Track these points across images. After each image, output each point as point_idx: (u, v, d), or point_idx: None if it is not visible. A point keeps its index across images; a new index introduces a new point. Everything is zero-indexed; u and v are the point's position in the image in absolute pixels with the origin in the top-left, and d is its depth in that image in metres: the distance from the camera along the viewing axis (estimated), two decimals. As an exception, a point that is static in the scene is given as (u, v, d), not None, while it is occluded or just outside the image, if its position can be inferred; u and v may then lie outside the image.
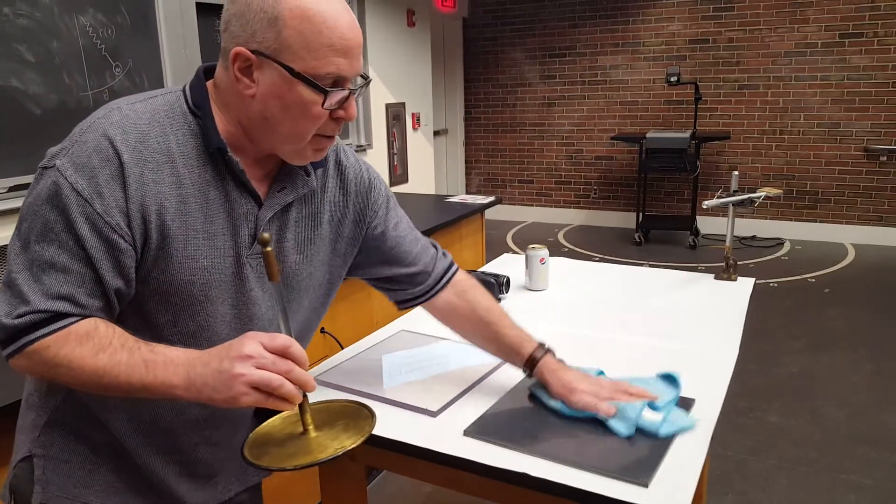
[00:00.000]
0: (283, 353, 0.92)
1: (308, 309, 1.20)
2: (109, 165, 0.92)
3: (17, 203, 2.44)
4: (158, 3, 3.04)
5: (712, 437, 1.19)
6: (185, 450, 1.12)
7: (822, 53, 6.07)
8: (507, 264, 2.29)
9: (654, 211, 6.96)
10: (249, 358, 0.90)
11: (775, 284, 5.05)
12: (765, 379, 3.53)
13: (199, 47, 3.26)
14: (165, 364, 0.93)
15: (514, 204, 7.68)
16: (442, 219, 3.22)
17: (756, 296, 1.81)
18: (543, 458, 1.12)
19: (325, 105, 0.97)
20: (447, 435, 1.20)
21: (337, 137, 1.09)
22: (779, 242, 6.31)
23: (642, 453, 1.12)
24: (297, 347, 0.94)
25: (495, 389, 1.37)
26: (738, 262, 2.02)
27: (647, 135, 6.02)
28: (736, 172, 2.21)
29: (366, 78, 1.05)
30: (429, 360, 1.52)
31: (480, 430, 1.21)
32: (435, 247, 1.39)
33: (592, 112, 7.12)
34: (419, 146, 5.67)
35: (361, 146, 4.81)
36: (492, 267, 2.26)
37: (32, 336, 0.92)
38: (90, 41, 2.73)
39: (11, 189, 2.45)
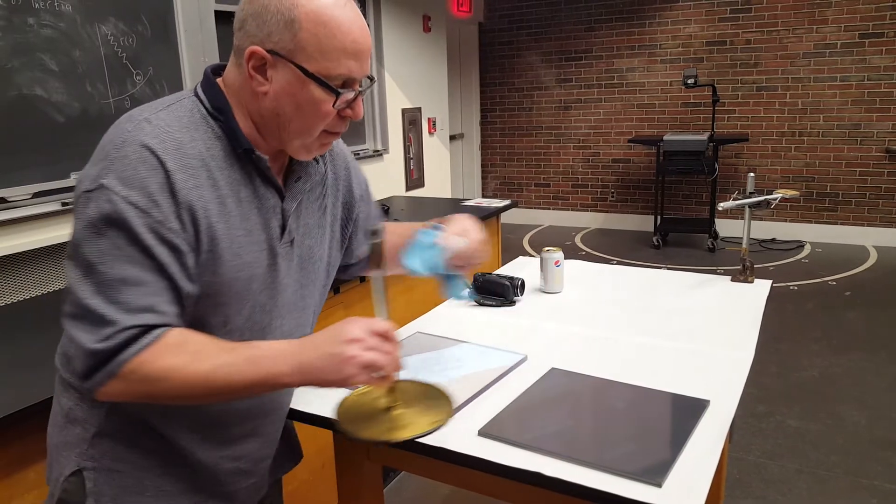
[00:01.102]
0: (385, 336, 1.02)
1: (319, 294, 1.26)
2: (157, 175, 0.95)
3: (40, 209, 2.49)
4: (178, 12, 3.09)
5: (731, 441, 1.19)
6: (235, 441, 1.16)
7: (841, 54, 6.02)
8: (522, 267, 2.30)
9: (672, 214, 6.92)
10: (358, 341, 0.98)
11: (795, 287, 5.01)
12: (785, 382, 3.50)
13: (217, 54, 3.31)
14: (269, 357, 0.98)
15: (531, 207, 7.68)
16: (458, 222, 3.23)
17: (776, 299, 1.80)
18: (557, 457, 1.13)
19: (336, 105, 1.03)
20: (462, 435, 1.21)
21: None
22: (799, 245, 6.26)
23: (657, 453, 1.12)
24: (393, 331, 1.04)
25: (510, 390, 1.38)
26: (758, 265, 2.01)
27: (665, 137, 6.00)
28: (752, 174, 2.21)
29: (371, 79, 1.11)
30: (444, 363, 1.53)
31: (495, 430, 1.22)
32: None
33: (609, 115, 7.11)
34: (435, 151, 5.69)
35: (378, 151, 4.84)
36: (507, 269, 2.27)
37: (126, 354, 0.92)
38: (111, 50, 2.77)
39: (35, 196, 2.49)
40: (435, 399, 1.18)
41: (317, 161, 1.19)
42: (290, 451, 1.38)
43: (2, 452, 1.38)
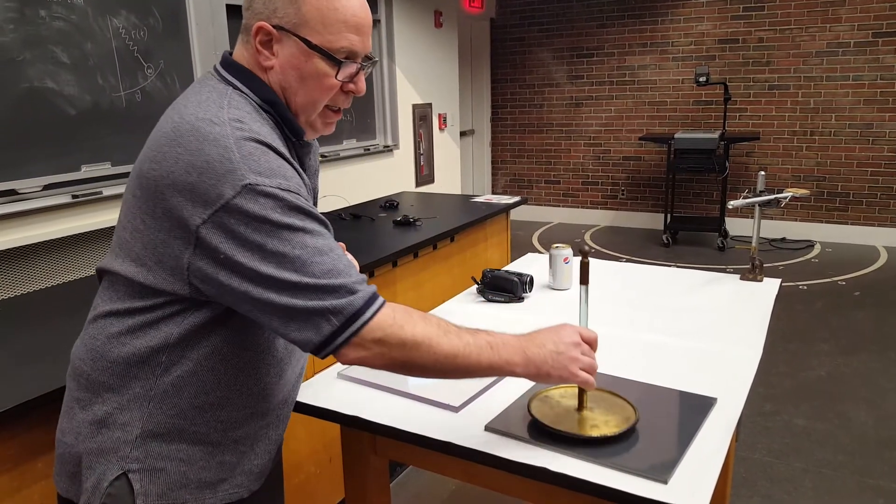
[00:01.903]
0: (593, 344, 1.16)
1: None
2: (281, 160, 1.00)
3: (51, 201, 2.50)
4: (189, 5, 3.10)
5: (738, 439, 1.19)
6: (273, 411, 1.19)
7: (854, 53, 5.98)
8: (531, 263, 2.30)
9: (682, 212, 6.90)
10: (579, 345, 1.13)
11: (805, 287, 4.99)
12: (793, 382, 3.49)
13: (229, 48, 3.32)
14: (504, 345, 1.09)
15: (541, 204, 7.67)
16: (467, 218, 3.24)
17: (785, 298, 1.80)
18: (564, 453, 1.13)
19: (339, 76, 1.07)
20: (469, 430, 1.22)
21: None
22: (809, 244, 6.23)
23: (663, 450, 1.12)
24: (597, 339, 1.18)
25: (517, 386, 1.38)
26: (767, 264, 2.00)
27: (676, 135, 5.97)
28: (763, 172, 2.20)
29: (372, 59, 1.14)
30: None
31: (502, 425, 1.22)
32: None
33: (620, 112, 7.08)
34: (445, 146, 5.69)
35: (388, 146, 4.84)
36: (516, 266, 2.27)
37: (370, 312, 0.99)
38: (123, 43, 2.79)
39: (45, 188, 2.51)
40: (618, 406, 1.26)
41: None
42: None
43: (10, 443, 1.39)
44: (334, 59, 1.05)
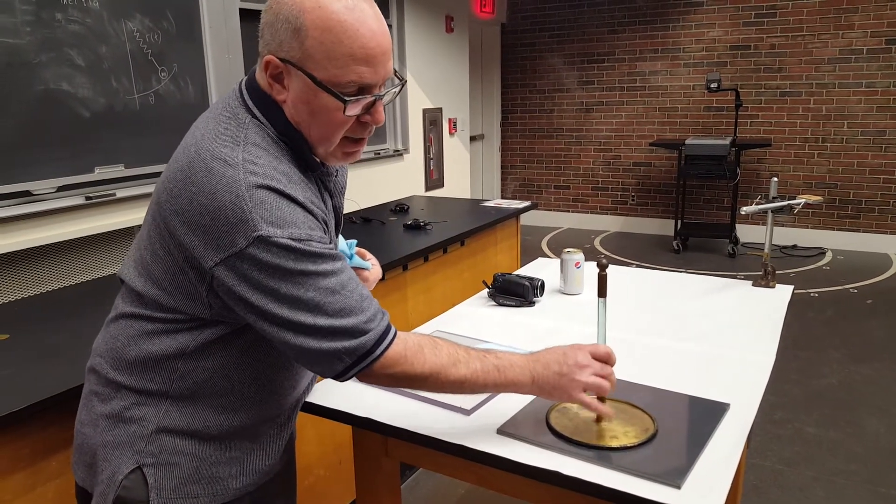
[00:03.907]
0: (605, 360, 1.18)
1: None
2: (293, 206, 0.99)
3: (65, 203, 2.52)
4: (203, 9, 3.12)
5: (749, 447, 1.18)
6: (284, 413, 1.21)
7: (867, 60, 5.95)
8: (542, 268, 2.30)
9: (692, 218, 6.88)
10: (585, 367, 1.15)
11: (816, 294, 4.96)
12: (804, 390, 3.47)
13: (241, 52, 3.34)
14: (511, 367, 1.13)
15: (550, 210, 7.66)
16: (477, 223, 3.24)
17: (796, 305, 1.79)
18: (576, 457, 1.12)
19: (347, 113, 1.02)
20: (481, 433, 1.22)
21: None
22: (820, 252, 6.19)
23: (676, 455, 1.12)
24: (613, 354, 1.19)
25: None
26: (779, 271, 1.99)
27: (687, 141, 5.96)
28: (775, 179, 2.19)
29: (401, 79, 1.11)
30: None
31: (514, 428, 1.22)
32: None
33: (631, 118, 7.07)
34: (455, 151, 5.70)
35: (398, 151, 4.85)
36: (526, 270, 2.27)
37: (380, 349, 1.03)
38: (137, 46, 2.81)
39: (59, 189, 2.53)
40: (636, 417, 1.26)
41: None
42: None
43: (25, 441, 1.40)
44: (339, 97, 1.00)
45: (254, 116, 1.05)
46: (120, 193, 2.72)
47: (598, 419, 1.24)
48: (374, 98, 1.04)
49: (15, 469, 1.39)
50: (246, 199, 0.95)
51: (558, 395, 1.14)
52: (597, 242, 6.81)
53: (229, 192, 0.95)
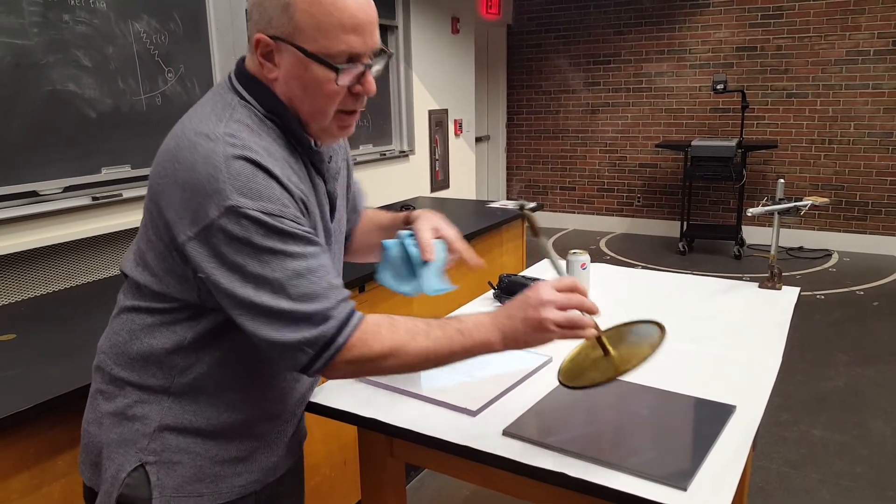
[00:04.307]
0: (572, 290, 1.09)
1: (340, 262, 1.31)
2: (271, 181, 0.98)
3: (71, 203, 2.53)
4: (210, 11, 3.12)
5: (755, 449, 1.18)
6: (289, 411, 1.22)
7: (874, 61, 5.93)
8: (547, 269, 2.29)
9: (698, 220, 6.86)
10: (550, 302, 1.06)
11: (822, 296, 4.94)
12: (810, 392, 3.46)
13: (247, 53, 3.34)
14: (477, 327, 1.08)
15: (556, 211, 7.65)
16: (482, 224, 3.24)
17: (802, 308, 1.79)
18: (582, 458, 1.12)
19: (339, 82, 1.03)
20: (487, 434, 1.22)
21: None
22: (826, 254, 6.17)
23: (682, 457, 1.11)
24: (579, 283, 1.11)
25: (535, 391, 1.38)
26: (784, 273, 1.99)
27: (693, 143, 5.95)
28: (782, 180, 2.18)
29: (385, 52, 1.10)
30: (469, 362, 1.52)
31: (520, 430, 1.22)
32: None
33: (637, 119, 7.06)
34: (461, 152, 5.70)
35: (404, 152, 4.85)
36: (532, 271, 2.27)
37: (343, 337, 1.01)
38: (144, 47, 2.81)
39: (66, 189, 2.53)
40: (642, 331, 1.19)
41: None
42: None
43: (31, 441, 1.41)
44: (331, 65, 1.01)
45: (241, 98, 1.06)
46: (126, 194, 2.72)
47: (606, 352, 1.16)
48: (364, 67, 1.05)
49: (21, 468, 1.40)
50: (222, 170, 0.95)
51: (533, 341, 1.07)
52: (602, 244, 6.80)
53: (207, 163, 0.96)
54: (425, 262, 1.27)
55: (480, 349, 1.08)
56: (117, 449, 1.10)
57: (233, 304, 0.99)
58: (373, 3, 1.05)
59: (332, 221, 1.19)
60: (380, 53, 1.08)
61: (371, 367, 1.05)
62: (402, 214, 1.39)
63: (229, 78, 1.10)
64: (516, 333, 1.07)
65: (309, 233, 1.01)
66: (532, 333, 1.06)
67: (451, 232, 1.33)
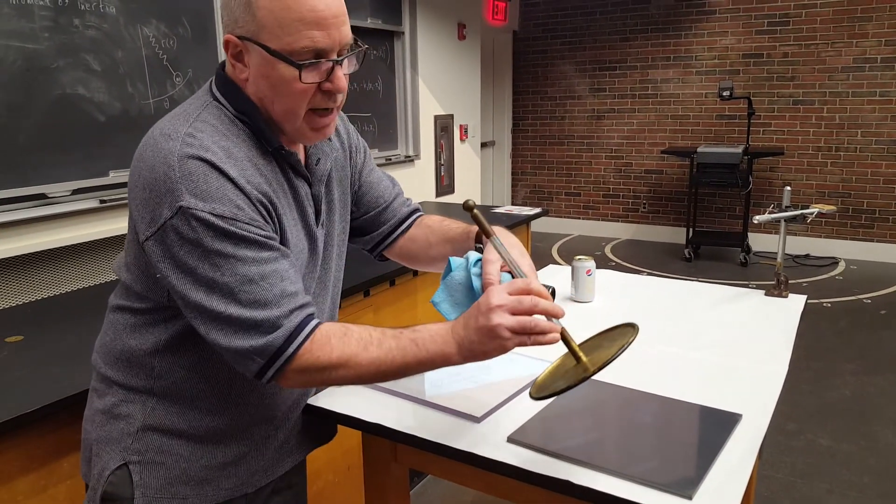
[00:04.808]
0: (525, 293, 1.00)
1: (338, 266, 1.29)
2: (225, 182, 0.97)
3: (80, 206, 2.54)
4: (218, 16, 3.14)
5: (761, 458, 1.17)
6: (280, 417, 1.21)
7: (881, 69, 5.92)
8: (553, 275, 2.29)
9: (704, 227, 6.85)
10: (499, 307, 0.98)
11: (829, 304, 4.92)
12: (817, 401, 3.44)
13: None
14: (433, 338, 1.02)
15: (561, 217, 7.65)
16: (488, 229, 3.23)
17: (809, 316, 1.78)
18: (587, 466, 1.12)
19: (303, 79, 1.00)
20: (491, 441, 1.21)
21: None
22: (833, 261, 6.15)
23: (688, 465, 1.11)
24: (536, 284, 1.02)
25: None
26: (791, 281, 1.98)
27: (699, 149, 5.94)
28: (788, 188, 2.18)
29: (360, 46, 1.06)
30: (473, 368, 1.53)
31: (524, 437, 1.21)
32: (400, 192, 1.45)
33: (643, 125, 7.06)
34: (466, 157, 5.70)
35: (409, 157, 4.86)
36: (540, 277, 2.26)
37: (293, 346, 0.98)
38: (153, 51, 2.83)
39: (74, 192, 2.55)
40: (617, 336, 1.10)
41: (329, 139, 1.20)
42: (325, 427, 1.38)
43: (37, 443, 1.41)
44: (293, 63, 0.98)
45: (215, 99, 1.06)
46: (133, 197, 2.74)
47: (578, 359, 1.06)
48: (331, 63, 1.01)
49: (28, 469, 1.40)
50: (175, 169, 0.95)
51: (490, 350, 1.00)
52: (607, 250, 6.80)
53: (164, 163, 0.96)
54: None
55: (437, 361, 1.03)
56: (104, 447, 1.11)
57: (186, 306, 0.99)
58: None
59: (317, 226, 1.16)
60: (353, 48, 1.05)
61: (322, 377, 1.02)
62: (476, 230, 1.30)
63: (210, 81, 1.10)
64: (472, 344, 1.01)
65: (265, 237, 0.99)
66: (486, 342, 0.99)
67: (525, 268, 1.12)
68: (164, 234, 0.96)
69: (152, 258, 0.98)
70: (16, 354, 1.69)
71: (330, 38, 1.00)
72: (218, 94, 1.07)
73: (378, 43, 4.51)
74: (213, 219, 0.94)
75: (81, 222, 2.57)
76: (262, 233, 0.99)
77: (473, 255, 1.19)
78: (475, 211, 1.08)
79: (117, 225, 2.67)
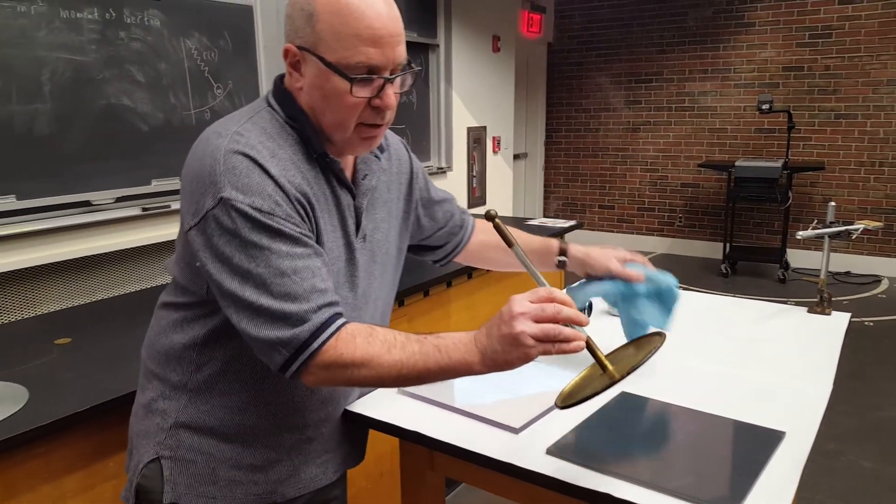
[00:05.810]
0: (548, 300, 1.00)
1: (391, 284, 1.31)
2: (267, 179, 1.01)
3: (122, 213, 2.60)
4: (258, 29, 3.19)
5: (800, 479, 1.14)
6: (311, 426, 1.21)
7: (927, 82, 5.79)
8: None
9: (741, 242, 6.75)
10: (522, 315, 0.98)
11: (871, 323, 4.80)
12: (859, 421, 3.36)
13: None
14: (456, 345, 1.03)
15: (595, 230, 7.60)
16: (523, 241, 3.22)
17: (850, 334, 1.74)
18: (627, 480, 1.11)
19: (354, 93, 1.03)
20: (529, 452, 1.21)
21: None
22: (875, 279, 6.01)
23: (729, 482, 1.09)
24: (559, 292, 1.02)
25: (579, 410, 1.36)
26: (832, 299, 1.94)
27: (737, 163, 5.87)
28: (832, 203, 2.14)
29: (411, 66, 1.10)
30: (512, 380, 1.52)
31: (564, 449, 1.21)
32: (453, 200, 1.50)
33: (679, 138, 7.00)
34: (498, 169, 5.70)
35: (442, 168, 4.88)
36: (574, 290, 2.25)
37: (318, 342, 1.00)
38: (195, 63, 2.89)
39: (118, 200, 2.60)
40: (644, 344, 1.11)
41: (378, 157, 1.22)
42: (355, 448, 1.38)
43: (84, 443, 1.44)
44: (346, 76, 1.02)
45: (269, 105, 1.11)
46: (175, 205, 2.79)
47: (605, 369, 1.04)
48: (383, 80, 1.05)
49: (75, 468, 1.43)
50: (220, 163, 1.00)
51: (513, 359, 0.99)
52: (642, 264, 6.72)
53: (211, 157, 1.01)
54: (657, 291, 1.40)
55: (460, 369, 1.02)
56: (142, 440, 1.16)
57: (221, 294, 1.02)
58: (397, 17, 1.05)
59: (356, 237, 1.17)
60: (406, 69, 1.08)
61: (345, 374, 1.02)
62: (556, 243, 1.47)
63: (269, 90, 1.15)
64: (495, 353, 1.00)
65: (301, 234, 1.03)
66: (510, 350, 0.99)
67: (630, 256, 1.47)
68: (205, 224, 1.00)
69: (194, 246, 1.02)
70: (64, 356, 1.73)
71: (384, 56, 1.03)
72: (272, 101, 1.11)
73: (413, 56, 4.54)
74: (251, 211, 0.98)
75: (124, 229, 2.63)
76: (298, 229, 1.02)
77: (591, 285, 1.35)
78: (497, 220, 1.10)
79: (159, 232, 2.73)
